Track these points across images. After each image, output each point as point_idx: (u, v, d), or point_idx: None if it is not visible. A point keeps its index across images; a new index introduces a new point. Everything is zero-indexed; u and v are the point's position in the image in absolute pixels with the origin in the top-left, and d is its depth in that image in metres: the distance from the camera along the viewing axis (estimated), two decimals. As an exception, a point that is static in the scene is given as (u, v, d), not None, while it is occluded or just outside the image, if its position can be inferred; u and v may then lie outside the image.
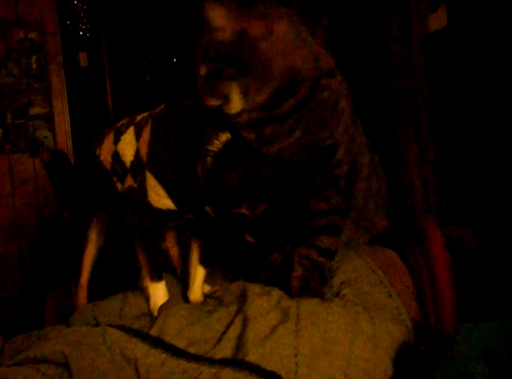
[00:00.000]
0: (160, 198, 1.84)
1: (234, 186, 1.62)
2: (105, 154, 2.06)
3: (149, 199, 1.86)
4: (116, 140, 2.00)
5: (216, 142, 1.69)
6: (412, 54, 2.48)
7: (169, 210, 1.86)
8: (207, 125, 1.74)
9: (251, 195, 1.58)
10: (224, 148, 1.69)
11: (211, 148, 1.69)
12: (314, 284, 1.97)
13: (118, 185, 1.98)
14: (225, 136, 1.71)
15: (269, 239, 1.66)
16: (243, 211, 1.59)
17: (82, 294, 2.33)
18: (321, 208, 1.99)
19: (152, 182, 1.83)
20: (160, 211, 1.87)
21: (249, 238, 1.67)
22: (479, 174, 2.23)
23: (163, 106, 1.95)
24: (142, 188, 1.86)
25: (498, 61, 2.12)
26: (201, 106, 1.72)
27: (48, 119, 4.32)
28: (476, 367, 1.35)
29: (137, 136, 1.90)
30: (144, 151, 1.85)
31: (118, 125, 2.09)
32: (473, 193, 2.25)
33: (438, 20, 2.39)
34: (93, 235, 2.32)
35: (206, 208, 1.79)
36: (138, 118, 2.00)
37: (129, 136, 1.94)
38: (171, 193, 1.82)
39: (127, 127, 1.99)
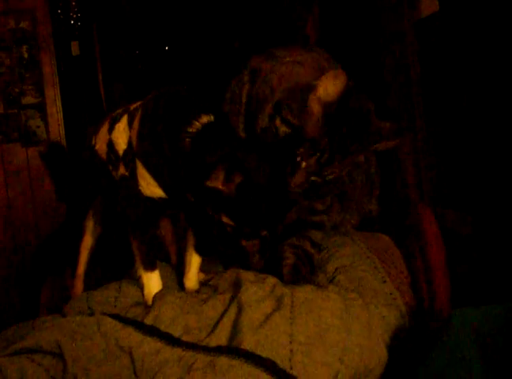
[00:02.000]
0: (149, 186, 1.83)
1: (208, 163, 1.61)
2: (100, 143, 2.05)
3: (140, 187, 1.85)
4: (111, 129, 2.00)
5: (196, 123, 1.69)
6: (404, 38, 2.47)
7: (160, 198, 1.86)
8: (192, 110, 1.73)
9: (225, 168, 1.57)
10: (202, 129, 1.69)
11: (190, 129, 1.69)
12: (305, 273, 1.98)
13: (114, 174, 1.98)
14: (206, 118, 1.71)
15: (246, 222, 1.65)
16: (218, 186, 1.58)
17: (79, 285, 2.32)
18: (318, 207, 2.10)
19: (141, 171, 1.82)
20: (151, 199, 1.87)
21: (226, 220, 1.65)
22: (473, 158, 2.23)
23: (152, 94, 1.94)
24: (133, 176, 1.85)
25: (491, 46, 2.11)
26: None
27: (40, 109, 4.30)
28: (470, 352, 1.35)
29: (130, 124, 1.89)
30: (134, 139, 1.85)
31: (114, 114, 2.08)
32: (468, 177, 2.25)
33: (429, 5, 2.38)
34: (90, 225, 2.32)
35: (188, 194, 1.79)
36: (133, 106, 1.99)
37: (122, 125, 1.94)
38: (159, 181, 1.81)
39: (121, 116, 1.98)
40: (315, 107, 1.73)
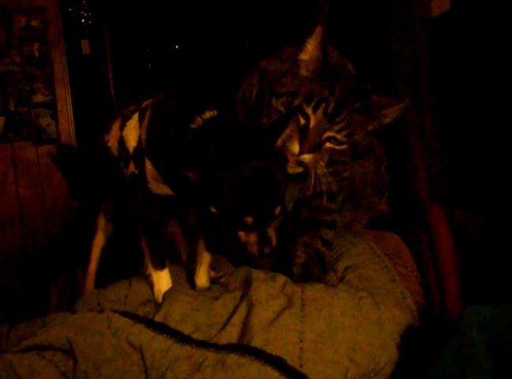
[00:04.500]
0: (158, 184, 1.83)
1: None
2: (112, 140, 2.05)
3: (149, 185, 1.85)
4: (122, 126, 1.99)
5: (199, 119, 1.67)
6: (415, 38, 2.46)
7: (168, 196, 1.86)
8: (199, 107, 1.72)
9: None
10: (203, 125, 1.68)
11: (192, 125, 1.67)
12: (316, 272, 1.98)
13: (125, 171, 1.98)
14: (209, 114, 1.69)
15: (227, 211, 1.61)
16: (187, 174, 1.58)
17: (90, 282, 2.33)
18: (332, 207, 2.11)
19: (150, 168, 1.82)
20: (160, 197, 1.86)
21: (214, 210, 1.63)
22: (484, 158, 2.22)
23: (163, 91, 1.93)
24: (142, 174, 1.85)
25: (502, 46, 2.11)
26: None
27: (51, 107, 4.32)
28: (480, 352, 1.35)
29: (141, 122, 1.89)
30: (144, 137, 1.84)
31: (126, 111, 2.07)
32: (479, 177, 2.25)
33: (440, 4, 2.37)
34: (102, 223, 2.32)
35: (193, 191, 1.77)
36: (144, 103, 1.99)
37: (133, 122, 1.93)
38: (166, 179, 1.81)
39: (133, 113, 1.98)
40: (304, 68, 1.83)
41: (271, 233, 1.58)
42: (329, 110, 1.76)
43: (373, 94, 1.86)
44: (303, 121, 1.79)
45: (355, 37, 2.90)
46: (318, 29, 1.77)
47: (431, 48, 2.43)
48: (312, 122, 1.78)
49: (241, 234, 1.61)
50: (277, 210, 1.56)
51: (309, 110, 1.77)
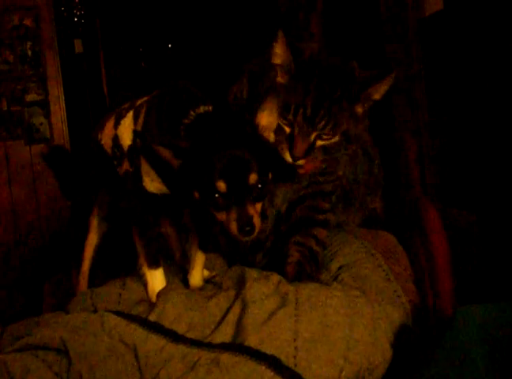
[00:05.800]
0: (153, 182, 1.82)
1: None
2: (106, 138, 2.04)
3: (144, 183, 1.84)
4: (116, 124, 1.98)
5: (192, 113, 1.67)
6: (408, 37, 2.47)
7: (163, 194, 1.85)
8: (194, 103, 1.72)
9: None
10: (196, 118, 1.68)
11: (186, 121, 1.67)
12: (310, 271, 1.98)
13: (119, 170, 1.97)
14: (203, 109, 1.69)
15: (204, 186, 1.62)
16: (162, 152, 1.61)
17: (83, 282, 2.31)
18: (326, 207, 2.12)
19: (145, 166, 1.81)
20: (154, 195, 1.86)
21: (196, 195, 1.63)
22: (477, 156, 2.23)
23: (159, 89, 1.92)
24: (137, 172, 1.84)
25: (495, 44, 2.11)
26: None
27: (44, 106, 4.31)
28: (475, 350, 1.35)
29: (135, 120, 1.88)
30: None
31: (120, 109, 2.06)
32: (472, 175, 2.25)
33: (433, 3, 2.38)
34: (95, 222, 2.30)
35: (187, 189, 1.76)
36: (138, 101, 1.98)
37: (128, 120, 1.92)
38: (162, 177, 1.80)
39: (127, 111, 1.97)
40: (280, 74, 1.85)
41: (252, 211, 1.56)
42: (308, 114, 1.76)
43: (358, 70, 1.86)
44: (287, 129, 1.80)
45: (348, 35, 2.90)
46: (280, 33, 1.79)
47: (423, 47, 2.44)
48: (296, 129, 1.79)
49: (222, 215, 1.59)
50: (251, 178, 1.54)
51: (290, 118, 1.79)
